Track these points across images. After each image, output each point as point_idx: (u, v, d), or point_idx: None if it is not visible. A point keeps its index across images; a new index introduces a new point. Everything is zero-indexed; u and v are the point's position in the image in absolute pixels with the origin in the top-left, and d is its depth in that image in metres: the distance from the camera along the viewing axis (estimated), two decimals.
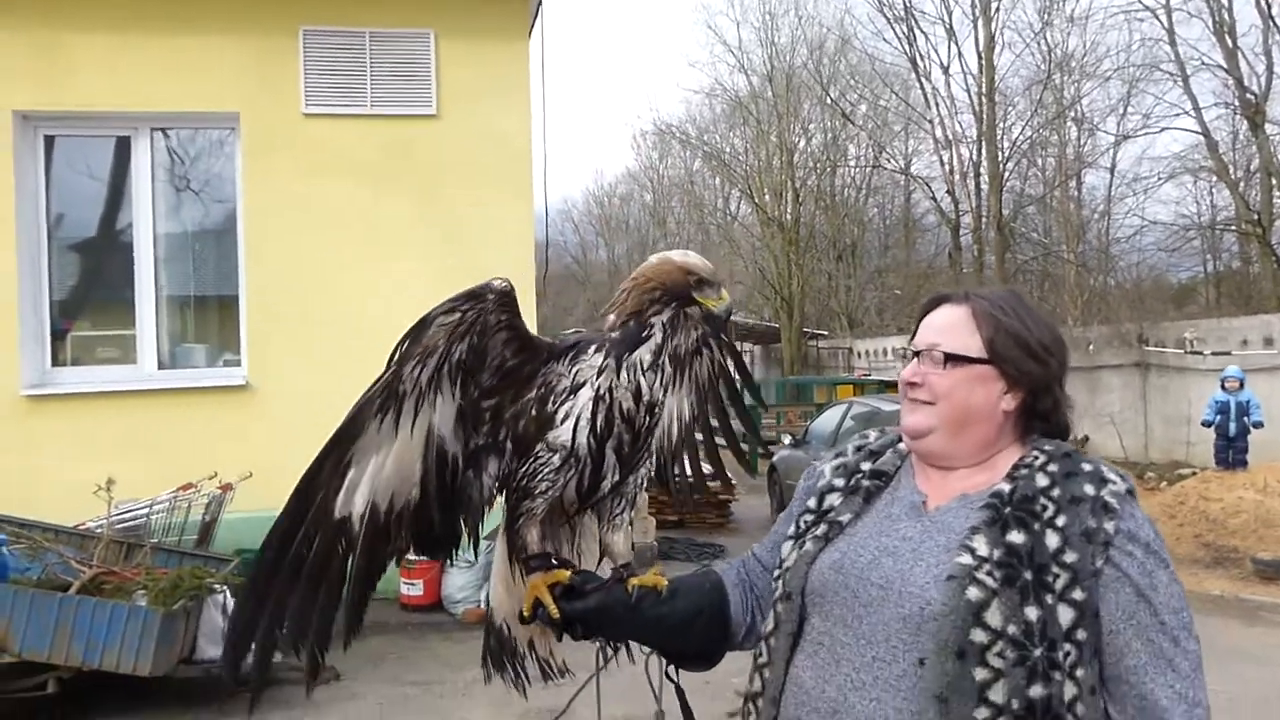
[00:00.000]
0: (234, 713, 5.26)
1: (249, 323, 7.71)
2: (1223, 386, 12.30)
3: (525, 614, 1.54)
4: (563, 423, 1.59)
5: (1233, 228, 24.72)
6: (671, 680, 1.70)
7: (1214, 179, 24.73)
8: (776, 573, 1.63)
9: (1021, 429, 1.56)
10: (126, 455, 6.75)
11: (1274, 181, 22.71)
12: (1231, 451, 12.01)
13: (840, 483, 1.66)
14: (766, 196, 31.06)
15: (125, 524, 6.07)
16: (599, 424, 1.56)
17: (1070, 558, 1.38)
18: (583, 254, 53.39)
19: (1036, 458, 1.51)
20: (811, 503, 1.66)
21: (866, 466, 1.66)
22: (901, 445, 1.67)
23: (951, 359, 1.53)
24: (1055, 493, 1.44)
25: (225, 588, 5.51)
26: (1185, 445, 16.21)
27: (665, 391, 1.61)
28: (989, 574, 1.37)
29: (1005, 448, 1.56)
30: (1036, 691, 1.33)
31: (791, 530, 1.66)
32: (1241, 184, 23.84)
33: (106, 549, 5.52)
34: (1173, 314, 22.94)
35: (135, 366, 7.65)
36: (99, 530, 5.68)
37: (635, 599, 1.58)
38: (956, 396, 1.53)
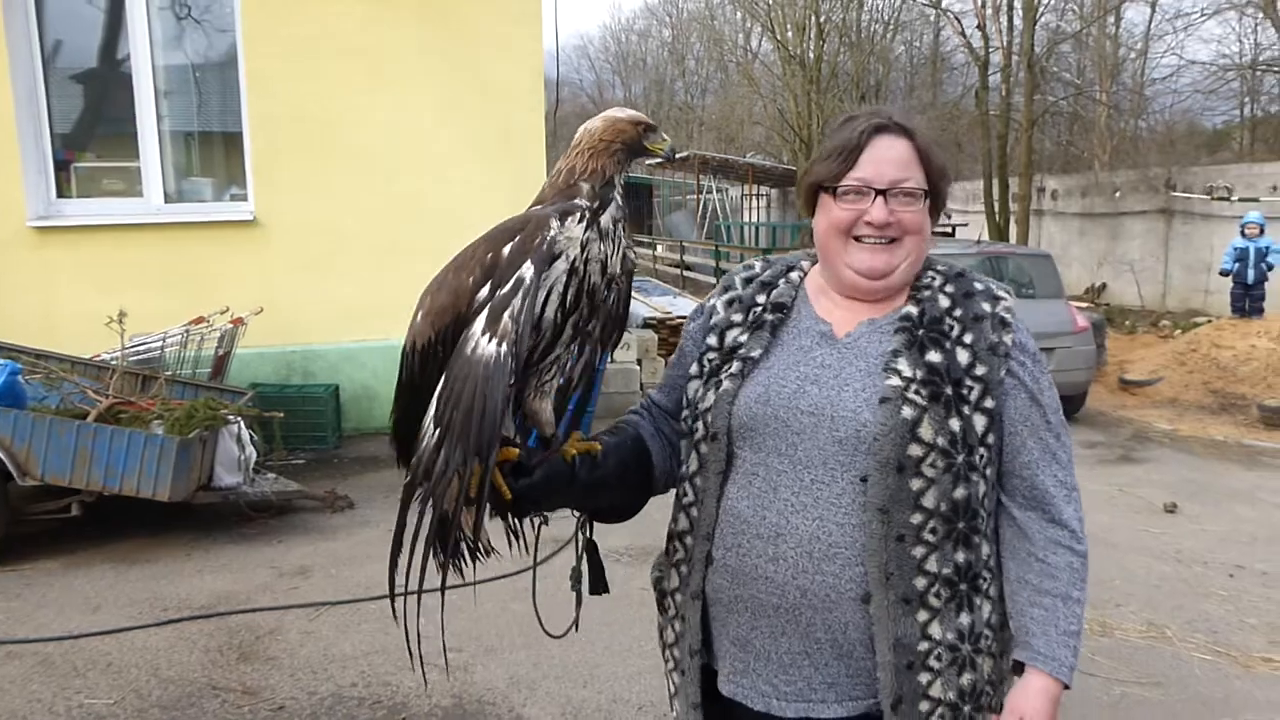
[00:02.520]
0: (252, 537, 5.47)
1: (254, 157, 7.59)
2: (1242, 232, 12.06)
3: (471, 494, 1.46)
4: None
5: (1275, 68, 23.66)
6: (590, 541, 1.72)
7: (1260, 15, 23.48)
8: (686, 413, 1.67)
9: None
10: (136, 289, 6.78)
11: None
12: (1248, 299, 11.87)
13: (738, 318, 1.68)
14: (789, 32, 29.78)
15: (139, 356, 6.15)
16: (569, 298, 1.50)
17: (980, 370, 1.52)
18: (599, 93, 51.93)
19: (933, 279, 1.62)
20: (712, 340, 1.68)
21: (762, 299, 1.69)
22: (794, 275, 1.71)
23: (921, 195, 1.56)
24: (958, 312, 1.56)
25: (239, 419, 5.63)
26: (1204, 294, 16.06)
27: (621, 260, 1.58)
28: (916, 393, 1.48)
29: None
30: (959, 493, 1.49)
31: (695, 370, 1.68)
32: None
33: (122, 380, 5.62)
34: (1204, 159, 22.26)
35: (141, 200, 7.58)
36: (114, 362, 5.77)
37: (574, 467, 1.55)
38: (925, 230, 1.58)
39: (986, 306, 1.56)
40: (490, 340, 1.40)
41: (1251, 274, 11.82)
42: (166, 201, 7.65)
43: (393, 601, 1.51)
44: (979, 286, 1.60)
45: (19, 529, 5.12)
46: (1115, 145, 22.80)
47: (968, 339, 1.54)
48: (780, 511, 1.51)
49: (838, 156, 1.56)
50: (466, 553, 1.58)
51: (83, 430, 4.98)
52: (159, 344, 6.28)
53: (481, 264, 1.47)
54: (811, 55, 28.98)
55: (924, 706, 1.48)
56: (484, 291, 1.45)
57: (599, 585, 1.73)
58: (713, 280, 20.67)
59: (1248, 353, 10.02)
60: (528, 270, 1.43)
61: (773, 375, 1.58)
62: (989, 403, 1.51)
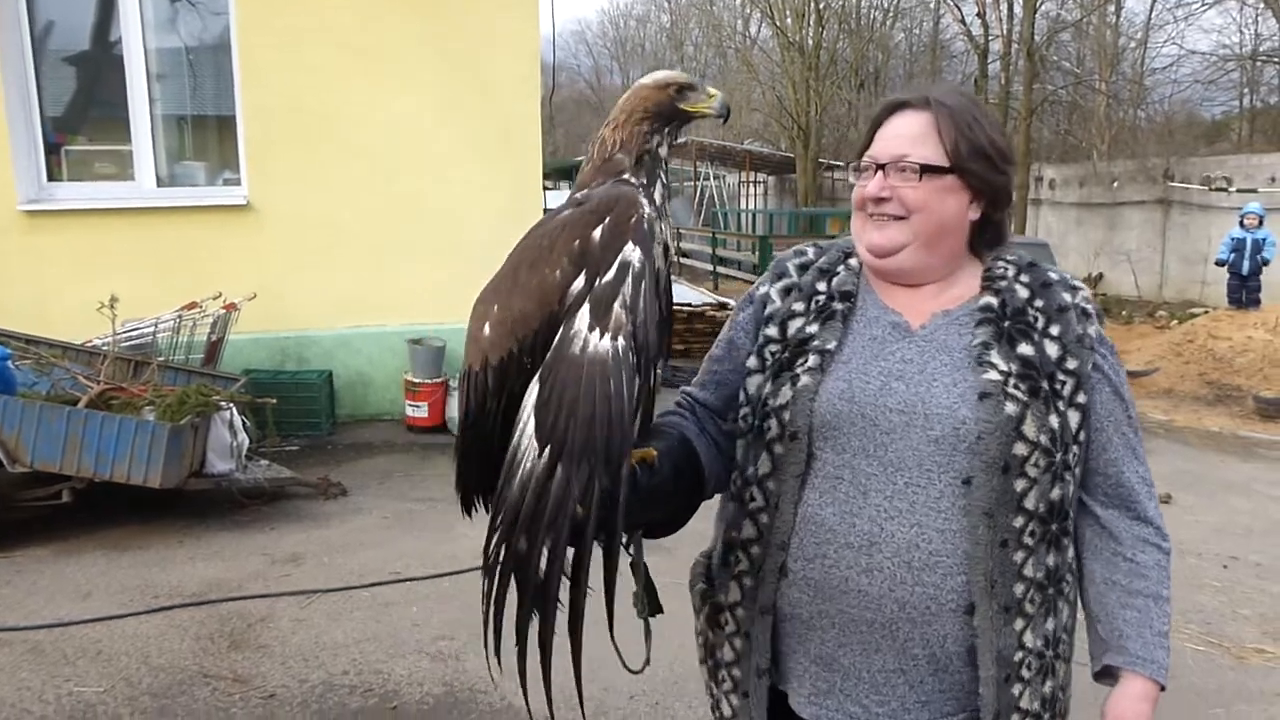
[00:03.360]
0: (244, 524, 5.45)
1: (248, 145, 7.53)
2: (1241, 223, 12.04)
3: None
4: None
5: (1276, 59, 23.60)
6: (641, 562, 1.49)
7: (1261, 6, 23.41)
8: (746, 410, 1.55)
9: (971, 242, 1.55)
10: (129, 273, 6.73)
11: None
12: (1245, 291, 11.86)
13: (800, 307, 1.57)
14: (788, 18, 29.65)
15: (131, 342, 6.11)
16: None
17: (1072, 365, 1.45)
18: (597, 79, 51.74)
19: (1005, 269, 1.53)
20: (772, 331, 1.57)
21: (823, 287, 1.57)
22: (852, 261, 1.59)
23: (926, 170, 1.45)
24: (1039, 303, 1.49)
25: (232, 405, 5.60)
26: (1200, 285, 16.06)
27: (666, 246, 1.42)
28: (1016, 388, 1.40)
29: (965, 261, 1.56)
30: (1055, 493, 1.42)
31: (755, 363, 1.56)
32: None
33: (113, 366, 5.59)
34: (1202, 150, 22.22)
35: (133, 183, 7.52)
36: (105, 347, 5.73)
37: (635, 477, 1.34)
38: (932, 208, 1.47)
39: (1067, 297, 1.50)
40: (603, 336, 1.21)
41: (1247, 265, 11.81)
42: (159, 185, 7.58)
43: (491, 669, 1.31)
44: (1054, 276, 1.52)
45: (10, 516, 5.08)
46: (1114, 135, 22.74)
47: (1054, 331, 1.46)
48: (872, 518, 1.40)
49: (864, 136, 1.54)
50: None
51: (73, 416, 4.95)
52: (151, 329, 6.24)
53: (568, 253, 1.28)
54: (810, 42, 28.86)
55: (1014, 719, 1.43)
56: (579, 283, 1.26)
57: (656, 607, 1.52)
58: (709, 268, 20.60)
59: (1244, 344, 10.02)
60: (633, 253, 1.26)
61: (853, 370, 1.47)
62: (1081, 398, 1.45)
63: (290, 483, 5.88)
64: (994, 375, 1.40)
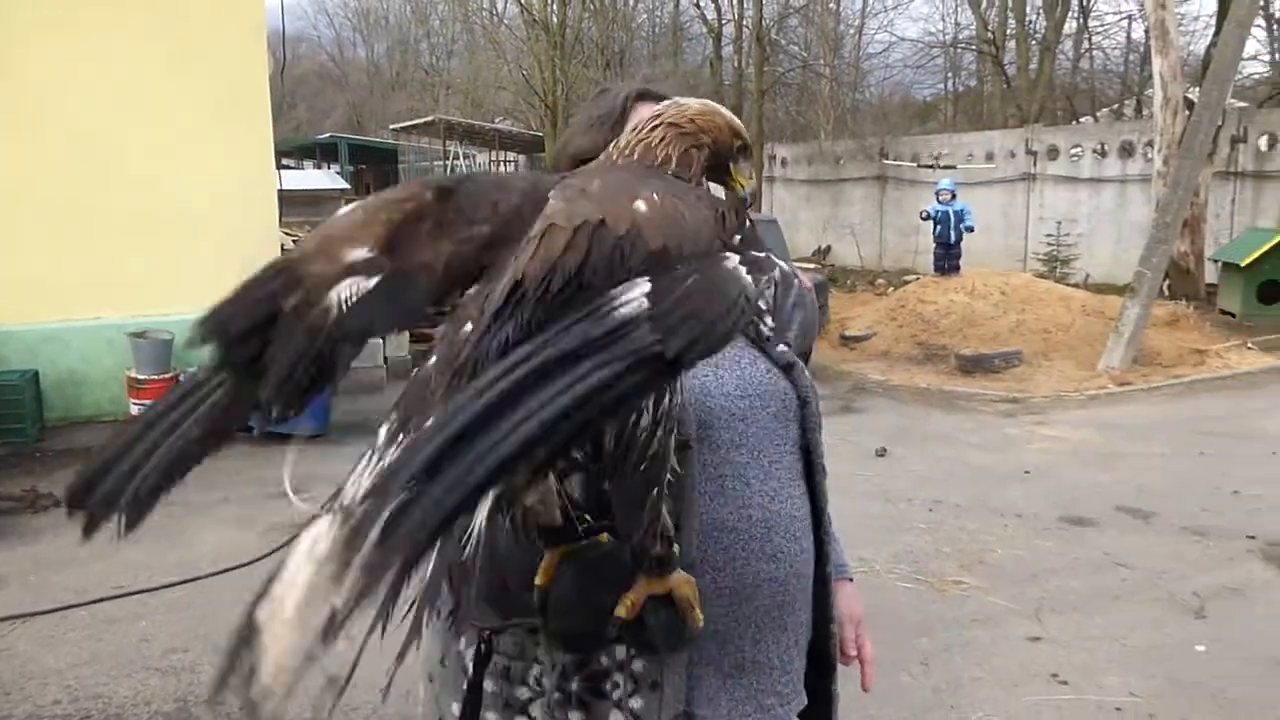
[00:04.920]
0: None
1: None
2: (937, 198, 13.37)
3: (624, 615, 1.14)
4: None
5: (972, 47, 26.22)
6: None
7: None
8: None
9: None
10: None
11: (1009, 3, 24.08)
12: (948, 259, 13.20)
13: None
14: None
15: None
16: None
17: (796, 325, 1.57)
18: (339, 51, 49.47)
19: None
20: None
21: None
22: None
23: None
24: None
25: None
26: (914, 254, 17.65)
27: None
28: (788, 347, 1.50)
29: None
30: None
31: None
32: (983, 4, 25.13)
33: None
34: (914, 130, 24.37)
35: None
36: None
37: None
38: None
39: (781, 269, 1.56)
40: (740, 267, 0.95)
41: (953, 234, 13.16)
42: None
43: None
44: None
45: None
46: (837, 116, 24.46)
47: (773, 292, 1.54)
48: (760, 504, 1.41)
49: (601, 125, 1.46)
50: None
51: None
52: None
53: (716, 216, 1.00)
54: (556, 20, 28.97)
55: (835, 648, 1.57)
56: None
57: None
58: None
59: (947, 307, 11.13)
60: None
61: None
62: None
63: None
64: (783, 346, 1.48)
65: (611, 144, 1.16)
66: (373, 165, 36.77)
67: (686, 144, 1.12)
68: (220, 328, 0.98)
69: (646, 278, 0.86)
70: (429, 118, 27.57)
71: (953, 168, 16.36)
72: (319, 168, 32.83)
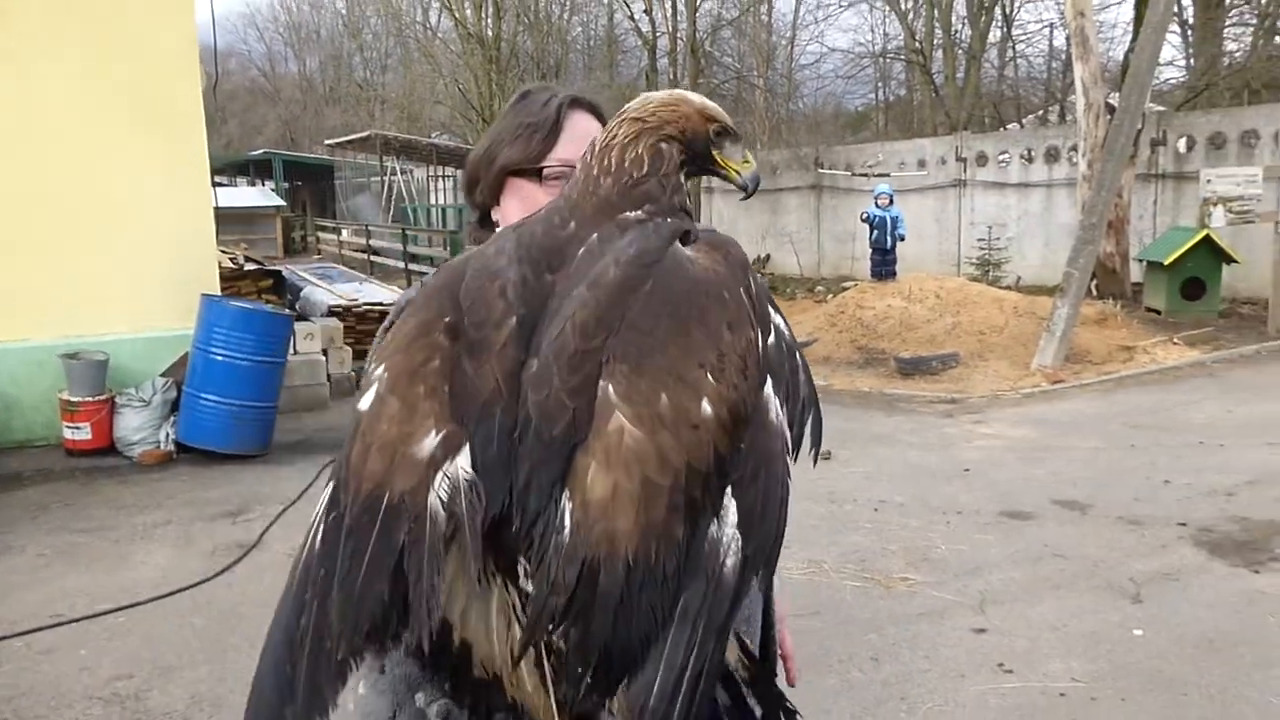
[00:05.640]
0: None
1: None
2: (875, 203, 13.67)
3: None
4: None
5: (901, 57, 26.77)
6: None
7: (887, 9, 26.46)
8: None
9: None
10: None
11: (935, 14, 24.67)
12: (884, 265, 13.47)
13: None
14: (467, 10, 29.53)
15: None
16: None
17: None
18: (271, 66, 48.80)
19: None
20: None
21: None
22: None
23: None
24: None
25: None
26: (851, 260, 17.95)
27: None
28: None
29: None
30: None
31: None
32: (910, 15, 25.70)
33: None
34: (848, 139, 24.79)
35: None
36: None
37: None
38: None
39: None
40: (780, 411, 0.98)
41: (889, 241, 13.44)
42: None
43: None
44: None
45: None
46: (772, 126, 24.79)
47: None
48: None
49: (535, 134, 1.37)
50: None
51: None
52: None
53: (751, 308, 1.00)
54: (491, 34, 28.93)
55: None
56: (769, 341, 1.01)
57: None
58: (401, 265, 20.15)
59: (885, 312, 11.34)
60: (777, 316, 1.04)
61: None
62: None
63: None
64: None
65: (586, 156, 1.10)
66: (308, 182, 36.29)
67: (653, 139, 1.09)
68: (375, 626, 0.88)
69: (732, 498, 0.91)
70: (365, 133, 27.31)
71: (886, 175, 16.68)
72: (253, 185, 32.34)
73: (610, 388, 0.90)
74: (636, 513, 0.86)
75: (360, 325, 10.95)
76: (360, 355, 10.02)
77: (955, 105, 22.64)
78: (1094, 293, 12.08)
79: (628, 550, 0.85)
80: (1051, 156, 15.73)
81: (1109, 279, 13.00)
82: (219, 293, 7.78)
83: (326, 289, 12.27)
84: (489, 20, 29.15)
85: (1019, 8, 25.49)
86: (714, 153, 1.15)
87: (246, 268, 10.69)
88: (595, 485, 0.87)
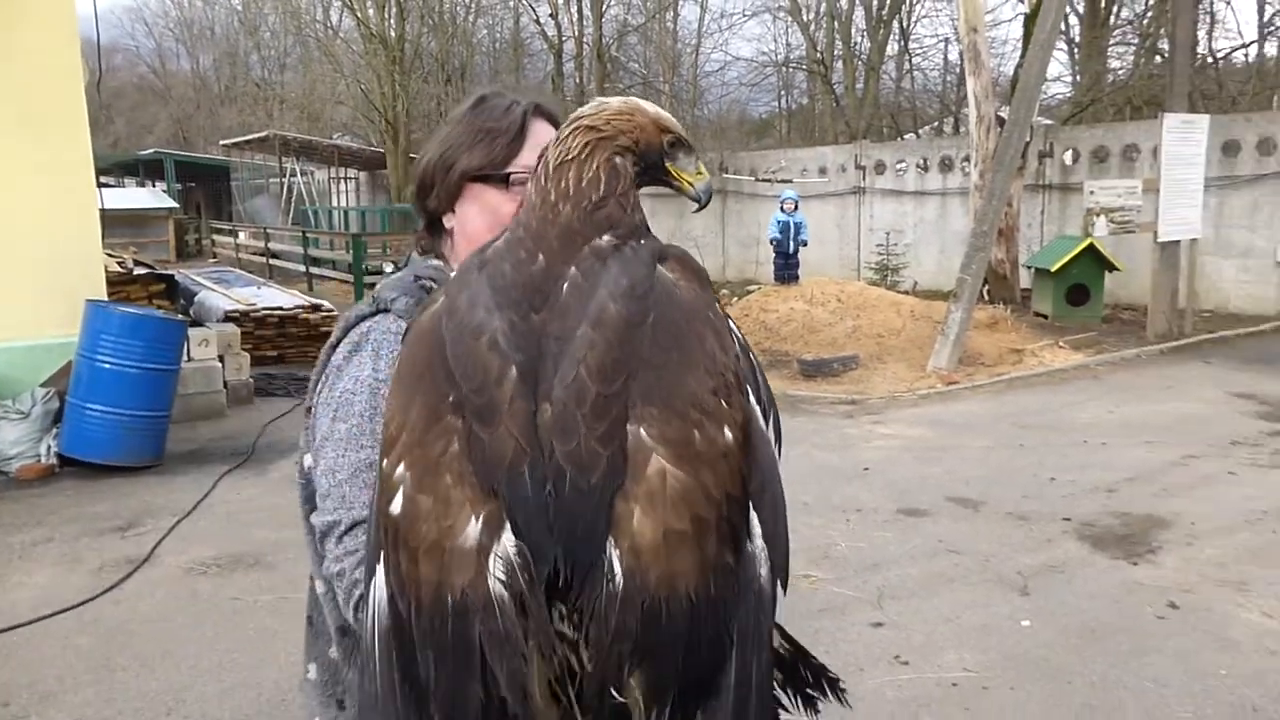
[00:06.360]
0: None
1: None
2: (781, 208, 13.94)
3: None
4: None
5: (803, 67, 27.33)
6: None
7: (789, 19, 26.99)
8: None
9: None
10: None
11: (835, 26, 25.26)
12: (788, 269, 13.74)
13: None
14: (369, 9, 29.01)
15: None
16: None
17: None
18: (161, 63, 47.02)
19: None
20: None
21: None
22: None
23: None
24: None
25: None
26: (755, 264, 18.25)
27: None
28: None
29: None
30: None
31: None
32: (812, 26, 26.27)
33: None
34: (752, 145, 25.19)
35: None
36: None
37: None
38: None
39: None
40: (762, 418, 1.05)
41: (791, 245, 13.71)
42: None
43: None
44: None
45: None
46: None
47: None
48: None
49: (497, 140, 1.34)
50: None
51: None
52: None
53: (723, 320, 1.04)
54: (394, 34, 28.47)
55: None
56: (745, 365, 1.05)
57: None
58: (301, 268, 19.66)
59: (788, 315, 11.55)
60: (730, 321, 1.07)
61: None
62: None
63: None
64: None
65: (540, 175, 1.07)
66: (203, 183, 35.13)
67: (608, 151, 1.08)
68: None
69: (753, 512, 0.97)
70: (263, 133, 26.59)
71: (789, 181, 17.01)
72: (143, 186, 31.15)
73: (643, 431, 0.91)
74: (691, 551, 0.89)
75: (259, 330, 10.67)
76: (259, 361, 9.74)
77: (855, 115, 23.21)
78: (986, 298, 12.52)
79: (688, 589, 0.88)
80: (946, 166, 16.26)
81: (1000, 284, 13.50)
82: (106, 298, 7.47)
83: (223, 293, 11.90)
84: (392, 21, 28.69)
85: (915, 22, 26.34)
86: (667, 164, 1.15)
87: (136, 272, 10.29)
88: (643, 530, 0.88)
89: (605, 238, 1.03)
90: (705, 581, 0.89)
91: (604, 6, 21.35)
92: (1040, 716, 3.50)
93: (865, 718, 3.44)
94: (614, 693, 0.89)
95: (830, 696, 1.14)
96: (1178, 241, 11.40)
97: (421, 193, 1.40)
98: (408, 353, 1.03)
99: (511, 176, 1.34)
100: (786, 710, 1.11)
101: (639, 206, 1.10)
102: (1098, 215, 11.51)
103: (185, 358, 7.53)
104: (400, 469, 0.94)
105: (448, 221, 1.40)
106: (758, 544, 0.96)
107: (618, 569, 0.88)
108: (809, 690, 1.10)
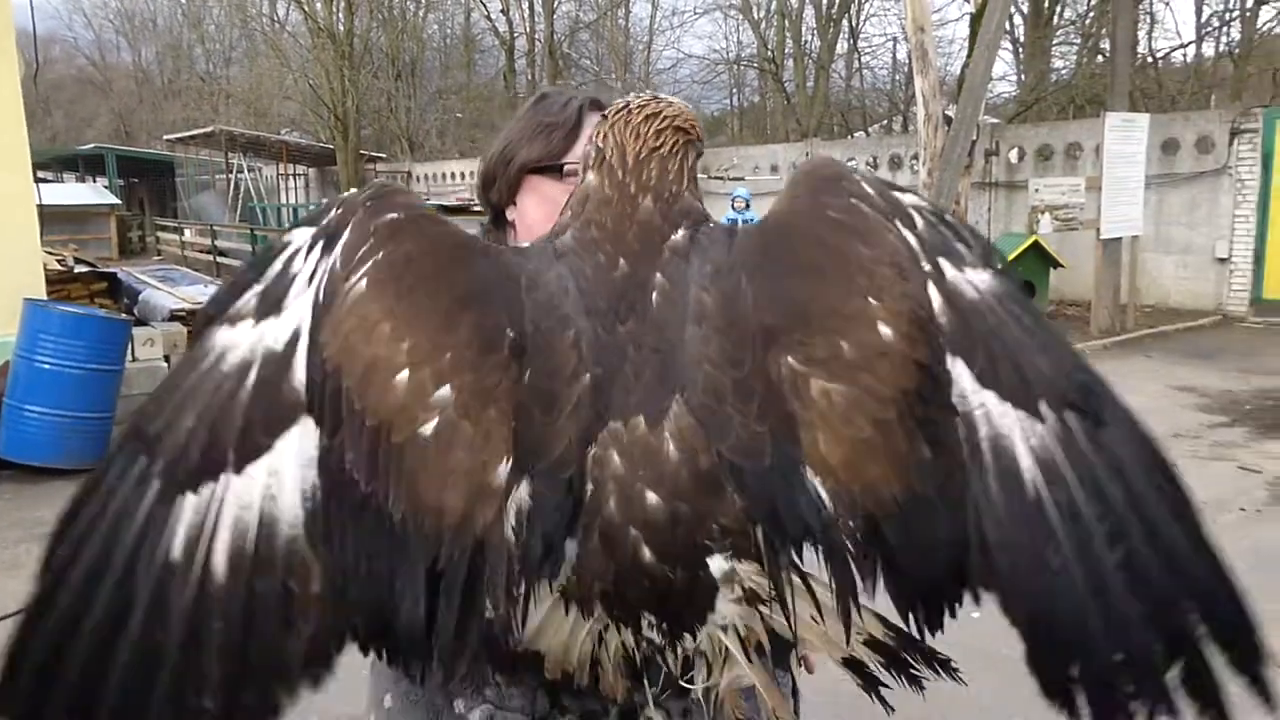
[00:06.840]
0: None
1: None
2: (732, 205, 14.01)
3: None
4: None
5: (754, 65, 27.51)
6: None
7: (740, 17, 27.15)
8: None
9: None
10: None
11: (786, 24, 25.46)
12: None
13: None
14: (317, 4, 28.63)
15: None
16: None
17: None
18: (101, 56, 45.91)
19: None
20: None
21: None
22: None
23: None
24: None
25: None
26: None
27: None
28: None
29: None
30: None
31: None
32: (762, 24, 26.44)
33: None
34: (705, 143, 25.24)
35: None
36: None
37: None
38: None
39: None
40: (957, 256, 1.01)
41: None
42: None
43: None
44: None
45: None
46: None
47: None
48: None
49: (554, 133, 1.38)
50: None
51: None
52: None
53: (862, 206, 0.99)
54: (342, 29, 28.14)
55: None
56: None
57: None
58: None
59: None
60: (907, 196, 1.06)
61: None
62: None
63: None
64: None
65: (612, 166, 1.05)
66: (147, 179, 34.37)
67: (695, 153, 1.10)
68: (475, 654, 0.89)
69: (956, 359, 0.93)
70: (209, 128, 26.10)
71: (742, 179, 17.10)
72: (83, 181, 30.41)
73: (790, 360, 0.90)
74: (880, 455, 0.88)
75: None
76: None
77: (806, 113, 23.42)
78: None
79: (892, 493, 0.87)
80: (895, 164, 16.47)
81: None
82: (45, 297, 7.28)
83: (168, 292, 11.65)
84: (340, 15, 28.35)
85: (865, 21, 26.63)
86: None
87: (77, 270, 10.05)
88: (831, 452, 0.88)
89: (680, 232, 1.01)
90: (905, 479, 0.88)
91: (555, 3, 21.28)
92: (994, 707, 3.56)
93: (817, 706, 3.47)
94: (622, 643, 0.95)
95: (944, 675, 1.12)
96: (1119, 238, 11.66)
97: (485, 187, 1.44)
98: (456, 257, 0.99)
99: (565, 167, 1.36)
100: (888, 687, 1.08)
101: (701, 198, 1.11)
102: (1042, 213, 11.73)
103: (129, 358, 7.37)
104: (445, 390, 0.89)
105: (510, 214, 1.43)
106: (974, 403, 0.89)
107: (824, 497, 0.88)
108: (913, 671, 1.08)
